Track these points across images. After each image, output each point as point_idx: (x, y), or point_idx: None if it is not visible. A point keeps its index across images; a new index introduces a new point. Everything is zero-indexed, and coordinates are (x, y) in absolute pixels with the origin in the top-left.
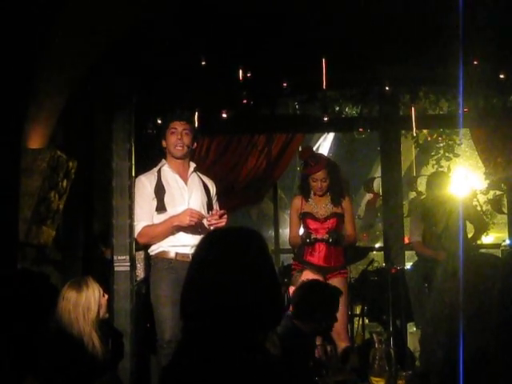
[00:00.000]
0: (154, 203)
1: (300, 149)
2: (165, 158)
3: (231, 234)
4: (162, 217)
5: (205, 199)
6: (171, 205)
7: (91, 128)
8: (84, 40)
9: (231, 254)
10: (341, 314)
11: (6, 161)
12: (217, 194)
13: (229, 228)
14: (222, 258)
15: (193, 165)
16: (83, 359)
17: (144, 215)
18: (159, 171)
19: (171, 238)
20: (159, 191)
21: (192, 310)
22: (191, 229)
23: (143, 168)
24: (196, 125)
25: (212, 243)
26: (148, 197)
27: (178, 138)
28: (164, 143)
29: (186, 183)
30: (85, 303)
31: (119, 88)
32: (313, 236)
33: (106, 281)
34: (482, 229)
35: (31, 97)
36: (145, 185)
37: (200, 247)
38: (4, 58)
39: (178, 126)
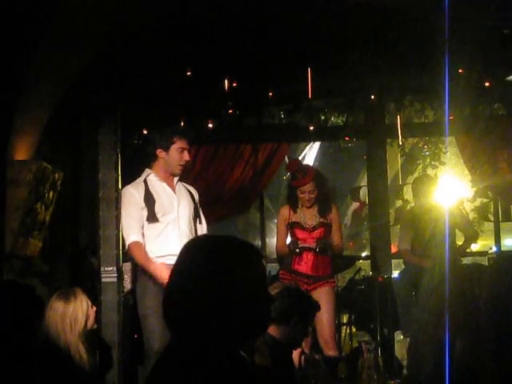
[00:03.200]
0: (144, 213)
1: (287, 161)
2: (149, 167)
3: (212, 242)
4: (153, 226)
5: (192, 206)
6: (162, 213)
7: (77, 139)
8: (69, 52)
9: (211, 260)
10: (328, 323)
11: None
12: (200, 202)
13: (210, 236)
14: (202, 265)
15: None
16: (70, 371)
17: (133, 226)
18: (145, 181)
19: (159, 247)
20: (149, 201)
21: (174, 319)
22: (180, 237)
23: (127, 178)
24: None
25: (193, 250)
26: (137, 206)
27: (184, 158)
28: (161, 153)
29: (174, 191)
30: (72, 314)
31: (104, 99)
32: (300, 245)
33: (94, 292)
34: (472, 237)
35: (16, 109)
36: (133, 195)
37: (181, 255)
38: None
39: (185, 146)
